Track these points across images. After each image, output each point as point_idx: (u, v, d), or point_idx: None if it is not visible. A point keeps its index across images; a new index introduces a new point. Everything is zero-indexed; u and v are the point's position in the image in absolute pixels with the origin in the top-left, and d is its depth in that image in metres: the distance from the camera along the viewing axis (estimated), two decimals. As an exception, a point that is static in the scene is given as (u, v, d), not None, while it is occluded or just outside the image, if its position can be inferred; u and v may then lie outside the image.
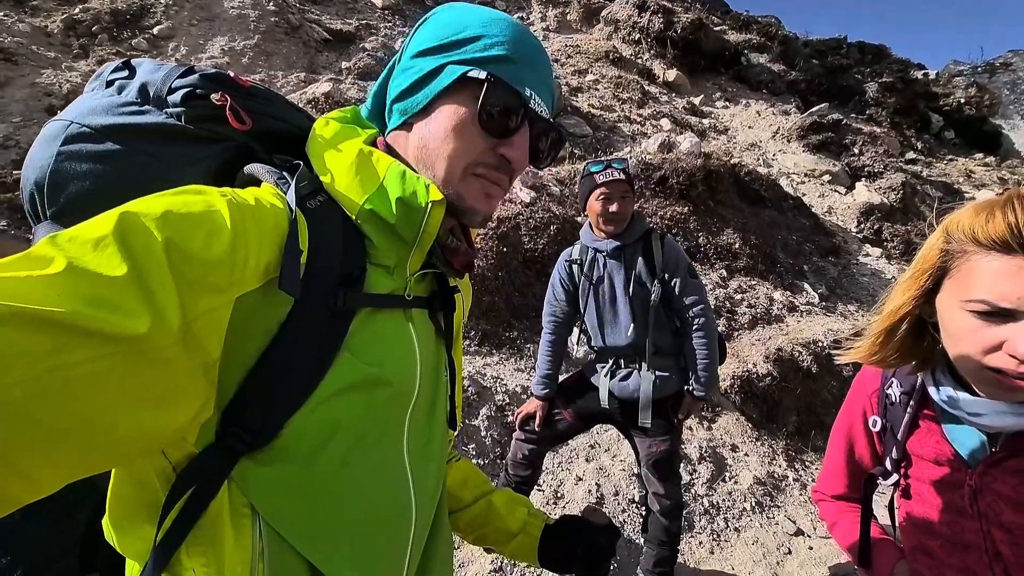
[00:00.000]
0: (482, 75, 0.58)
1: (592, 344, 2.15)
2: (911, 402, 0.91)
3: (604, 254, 2.04)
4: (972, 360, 0.74)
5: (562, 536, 0.84)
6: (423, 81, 0.61)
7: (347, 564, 0.56)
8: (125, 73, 0.65)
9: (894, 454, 0.94)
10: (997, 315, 0.70)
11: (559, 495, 2.73)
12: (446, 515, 0.76)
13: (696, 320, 1.98)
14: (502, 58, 0.59)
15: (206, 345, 0.46)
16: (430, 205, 0.57)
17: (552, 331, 2.21)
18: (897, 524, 1.01)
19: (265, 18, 7.00)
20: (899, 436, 0.93)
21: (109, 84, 0.65)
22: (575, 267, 2.11)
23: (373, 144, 0.65)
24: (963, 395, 0.81)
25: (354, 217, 0.58)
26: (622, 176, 1.94)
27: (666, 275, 1.98)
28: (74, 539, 0.76)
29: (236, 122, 0.62)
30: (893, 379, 0.95)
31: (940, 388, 0.85)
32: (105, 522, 0.56)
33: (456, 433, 0.86)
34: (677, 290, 1.98)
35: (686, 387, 2.03)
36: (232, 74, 0.68)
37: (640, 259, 1.99)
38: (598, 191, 1.98)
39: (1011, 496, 0.78)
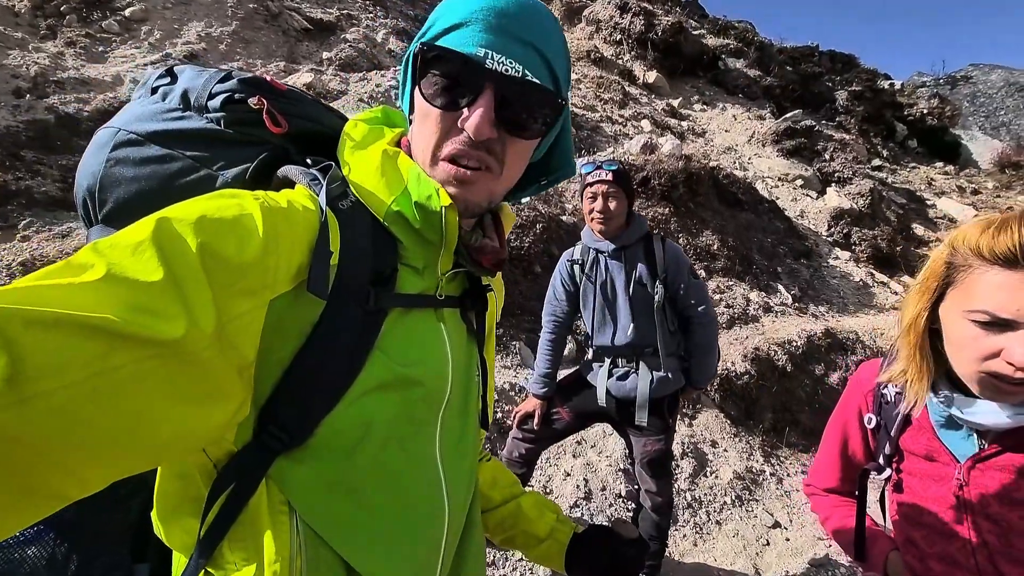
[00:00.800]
0: (418, 48, 0.56)
1: (591, 343, 2.19)
2: (903, 399, 0.95)
3: (605, 255, 2.08)
4: (972, 365, 0.79)
5: (590, 546, 0.84)
6: (404, 76, 0.63)
7: (381, 561, 0.57)
8: (168, 80, 0.67)
9: (887, 450, 0.99)
10: (997, 325, 0.75)
11: (547, 491, 2.77)
12: (479, 514, 0.77)
13: (702, 318, 2.05)
14: (453, 26, 0.56)
15: (241, 347, 0.47)
16: (444, 210, 0.57)
17: (552, 331, 2.24)
18: (888, 517, 1.06)
19: (243, 4, 6.80)
20: (892, 433, 0.98)
21: (154, 91, 0.66)
22: (576, 267, 2.14)
23: (398, 144, 0.66)
24: (959, 397, 0.87)
25: (382, 219, 0.59)
26: (609, 176, 1.99)
27: (668, 276, 2.03)
28: (126, 529, 0.77)
29: (273, 125, 0.63)
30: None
31: (938, 391, 0.90)
32: (153, 515, 0.57)
33: (487, 433, 0.87)
34: (682, 291, 2.04)
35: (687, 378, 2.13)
36: (269, 78, 0.69)
37: (641, 260, 2.04)
38: (587, 191, 2.04)
39: (998, 489, 0.84)
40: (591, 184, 2.02)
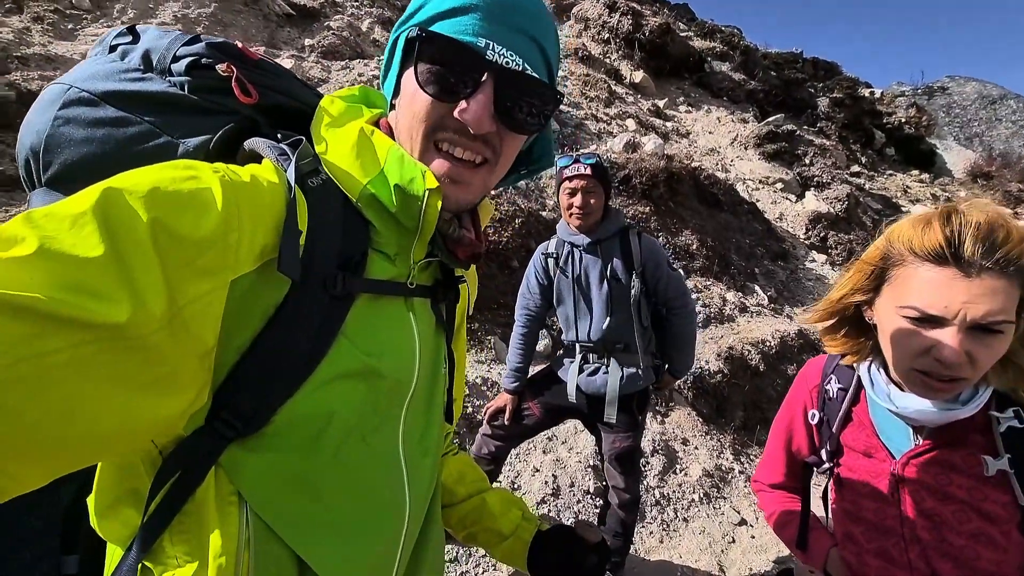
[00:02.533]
0: (415, 32, 0.53)
1: (563, 338, 2.17)
2: (847, 397, 0.97)
3: (580, 248, 2.06)
4: (904, 361, 0.80)
5: (552, 547, 0.81)
6: (390, 58, 0.60)
7: (336, 556, 0.54)
8: (129, 39, 0.62)
9: (829, 446, 1.00)
10: (927, 321, 0.75)
11: (516, 486, 2.75)
12: (439, 509, 0.74)
13: (682, 309, 2.05)
14: (451, 10, 0.54)
15: (200, 332, 0.43)
16: (427, 193, 0.54)
17: (525, 324, 2.21)
18: (830, 513, 1.07)
19: (223, -14, 6.62)
20: (834, 429, 0.99)
21: (112, 49, 0.62)
22: (551, 260, 2.12)
23: (377, 125, 0.63)
24: (894, 390, 0.88)
25: (355, 200, 0.56)
26: (588, 171, 1.96)
27: (645, 270, 2.00)
28: (56, 516, 0.72)
29: (242, 95, 0.59)
30: (832, 375, 1.01)
31: (874, 384, 0.91)
32: (89, 502, 0.53)
33: (453, 427, 0.84)
34: (661, 284, 2.02)
35: (666, 365, 2.13)
36: (240, 44, 0.65)
37: (617, 254, 2.01)
38: (565, 184, 2.00)
39: (931, 485, 0.85)
40: (569, 178, 1.99)
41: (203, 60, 0.59)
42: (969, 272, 0.72)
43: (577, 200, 1.98)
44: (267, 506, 0.50)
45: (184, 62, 0.59)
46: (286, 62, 5.74)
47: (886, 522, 0.90)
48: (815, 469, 1.03)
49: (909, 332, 0.77)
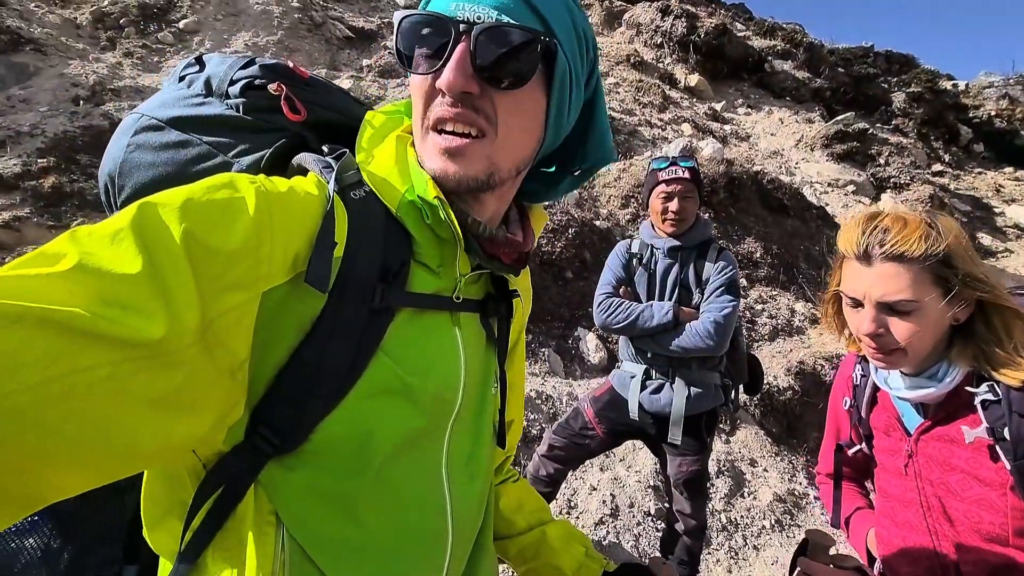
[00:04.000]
0: (398, 18, 0.53)
1: (629, 346, 2.06)
2: (869, 382, 1.07)
3: (661, 251, 1.99)
4: (858, 340, 0.95)
5: None
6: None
7: None
8: (196, 68, 0.66)
9: (861, 429, 1.09)
10: (854, 305, 0.93)
11: (572, 505, 2.66)
12: (490, 540, 0.71)
13: (708, 324, 1.84)
14: None
15: (231, 344, 0.42)
16: (439, 203, 0.52)
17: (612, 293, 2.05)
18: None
19: (289, 14, 7.03)
20: (863, 413, 1.08)
21: (182, 79, 0.66)
22: (635, 260, 2.04)
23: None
24: (887, 372, 0.99)
25: (395, 211, 0.54)
26: (686, 175, 1.88)
27: (707, 284, 1.91)
28: (122, 524, 0.74)
29: (290, 112, 0.61)
30: (859, 364, 1.10)
31: (877, 369, 1.02)
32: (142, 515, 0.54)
33: (511, 453, 0.80)
34: (705, 295, 1.91)
35: (737, 386, 2.02)
36: (292, 64, 0.66)
37: (692, 264, 1.94)
38: (659, 189, 1.93)
39: (937, 457, 0.94)
40: (666, 182, 1.91)
41: (257, 81, 0.62)
42: (869, 262, 0.89)
43: (673, 205, 1.90)
44: (303, 527, 0.49)
45: (239, 84, 0.61)
46: (345, 83, 6.00)
47: (907, 495, 0.98)
48: (846, 450, 1.13)
49: (850, 314, 0.95)
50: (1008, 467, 0.84)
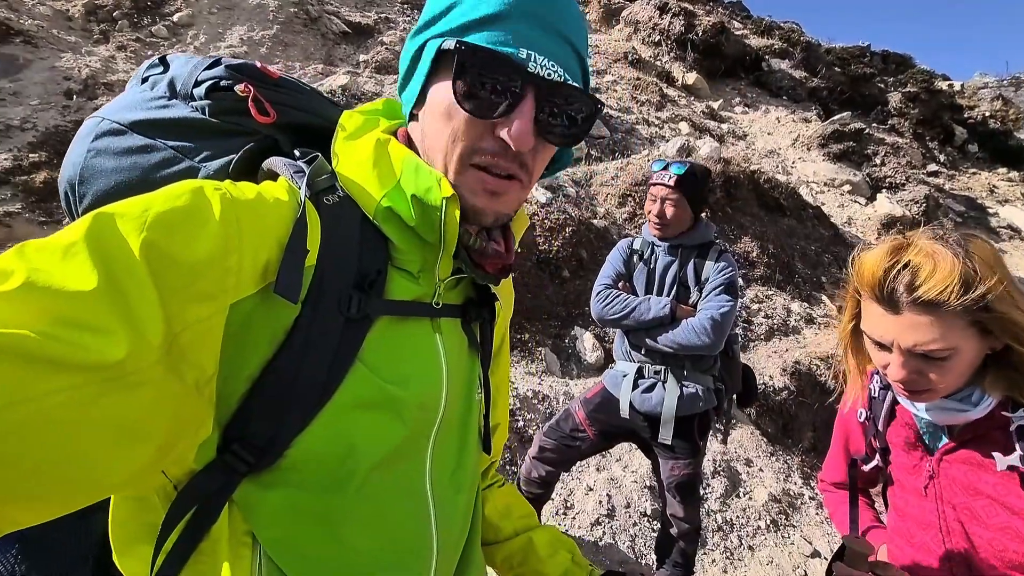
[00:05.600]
0: (452, 44, 0.49)
1: (624, 343, 2.06)
2: (888, 395, 1.01)
3: (662, 248, 2.00)
4: (883, 374, 0.89)
5: None
6: (413, 65, 0.56)
7: None
8: (160, 69, 0.63)
9: (877, 443, 1.04)
10: (880, 345, 0.86)
11: (569, 505, 2.66)
12: (478, 552, 0.69)
13: (704, 320, 1.83)
14: (487, 18, 0.50)
15: (198, 359, 0.41)
16: (444, 203, 0.51)
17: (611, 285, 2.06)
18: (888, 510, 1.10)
19: (284, 8, 6.96)
20: (880, 426, 1.02)
21: (144, 80, 0.63)
22: (635, 256, 2.05)
23: (394, 135, 0.60)
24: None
25: (371, 216, 0.53)
26: (671, 182, 1.88)
27: (704, 286, 1.91)
28: (89, 547, 0.71)
29: (259, 114, 0.59)
30: (876, 374, 1.03)
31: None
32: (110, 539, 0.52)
33: (497, 458, 0.79)
34: (704, 293, 1.90)
35: (727, 391, 1.99)
36: (260, 64, 0.64)
37: (692, 263, 1.94)
38: (650, 191, 1.96)
39: (962, 480, 0.89)
40: (654, 184, 1.94)
41: (223, 82, 0.59)
42: (896, 308, 0.80)
43: (655, 209, 1.92)
44: (279, 547, 0.47)
45: (204, 86, 0.59)
46: (341, 78, 5.94)
47: (926, 516, 0.93)
48: (860, 464, 1.08)
49: (875, 351, 0.89)
50: None
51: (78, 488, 0.35)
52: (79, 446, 0.33)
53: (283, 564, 0.47)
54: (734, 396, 2.12)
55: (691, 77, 9.49)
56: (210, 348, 0.42)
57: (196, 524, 0.45)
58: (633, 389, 1.96)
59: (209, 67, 0.61)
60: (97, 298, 0.35)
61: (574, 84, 0.52)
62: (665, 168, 1.92)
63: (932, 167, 9.70)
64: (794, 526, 2.86)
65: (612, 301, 1.96)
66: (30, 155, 3.76)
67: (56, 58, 4.82)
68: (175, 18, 6.25)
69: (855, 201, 7.64)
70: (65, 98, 4.40)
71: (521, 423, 2.95)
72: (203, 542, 0.46)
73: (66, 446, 0.33)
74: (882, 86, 11.47)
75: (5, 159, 3.67)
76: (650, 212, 1.95)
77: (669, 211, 1.90)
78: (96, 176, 0.58)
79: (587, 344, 3.84)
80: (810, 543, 2.75)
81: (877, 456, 1.04)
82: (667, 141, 6.95)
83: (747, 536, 2.73)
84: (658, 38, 10.11)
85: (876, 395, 1.03)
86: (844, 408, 1.13)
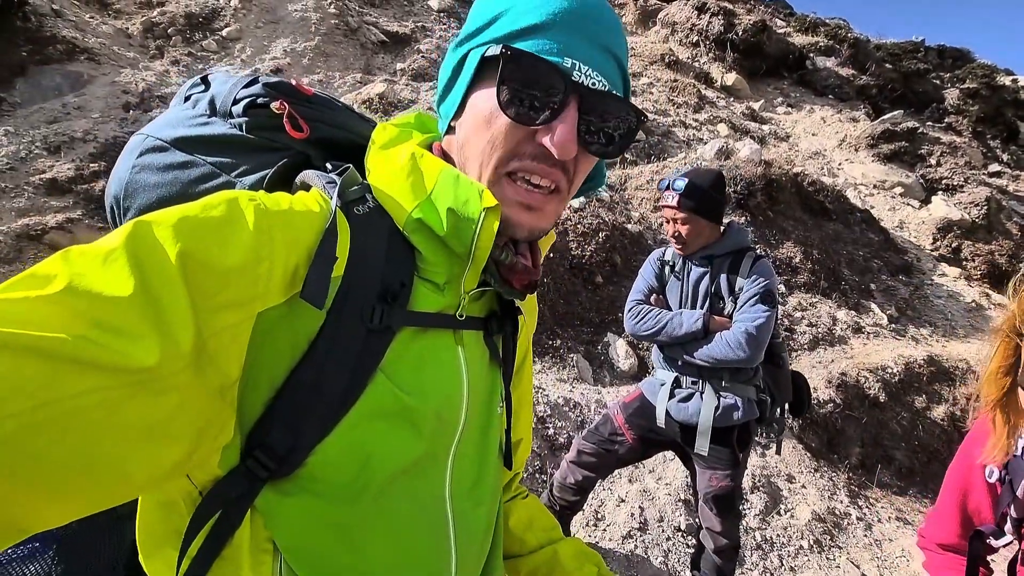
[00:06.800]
0: (498, 51, 0.49)
1: (660, 355, 2.02)
2: None
3: (693, 259, 1.96)
4: None
5: None
6: (454, 75, 0.56)
7: None
8: (201, 88, 0.66)
9: (1013, 512, 0.85)
10: None
11: (600, 517, 2.61)
12: (500, 566, 0.68)
13: (738, 333, 1.78)
14: (531, 28, 0.50)
15: (223, 365, 0.42)
16: (483, 214, 0.50)
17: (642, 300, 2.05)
18: None
19: (326, 20, 7.18)
20: (1019, 492, 0.84)
21: (187, 99, 0.66)
22: (667, 268, 2.03)
23: (429, 148, 0.60)
24: None
25: (401, 226, 0.53)
26: (674, 202, 1.86)
27: (740, 295, 1.84)
28: (121, 552, 0.74)
29: (293, 130, 0.60)
30: None
31: None
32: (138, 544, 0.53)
33: (515, 474, 0.78)
34: (739, 304, 1.84)
35: (772, 402, 1.92)
36: (295, 82, 0.66)
37: (726, 273, 1.88)
38: (662, 211, 1.96)
39: None
40: (662, 206, 1.93)
41: (259, 100, 0.61)
42: None
43: (670, 229, 1.93)
44: (299, 556, 0.48)
45: (242, 104, 0.61)
46: (379, 86, 6.08)
47: None
48: (988, 539, 0.88)
49: None
50: None
51: (103, 486, 0.36)
52: (106, 445, 0.34)
53: (301, 572, 0.48)
54: (786, 405, 2.02)
55: (730, 78, 9.25)
56: (236, 354, 0.43)
57: (220, 529, 0.47)
58: (670, 398, 1.92)
59: (247, 85, 0.63)
60: (132, 304, 0.36)
61: (617, 95, 0.53)
62: (668, 188, 1.88)
63: (994, 167, 9.10)
64: (839, 547, 2.72)
65: (644, 317, 1.94)
66: (90, 165, 4.00)
67: (116, 73, 5.12)
68: (224, 32, 6.54)
69: (908, 204, 7.25)
70: (123, 111, 4.66)
71: (552, 431, 2.92)
72: (226, 548, 0.47)
73: (94, 445, 0.34)
74: (937, 82, 10.86)
75: (68, 169, 3.92)
76: (668, 233, 1.94)
77: (683, 230, 1.87)
78: (139, 191, 0.61)
79: (620, 351, 3.77)
80: (857, 567, 2.61)
81: (1009, 528, 0.87)
82: (705, 143, 6.78)
83: (788, 556, 2.61)
84: (696, 39, 9.90)
85: (1020, 452, 0.87)
86: (969, 458, 0.96)
